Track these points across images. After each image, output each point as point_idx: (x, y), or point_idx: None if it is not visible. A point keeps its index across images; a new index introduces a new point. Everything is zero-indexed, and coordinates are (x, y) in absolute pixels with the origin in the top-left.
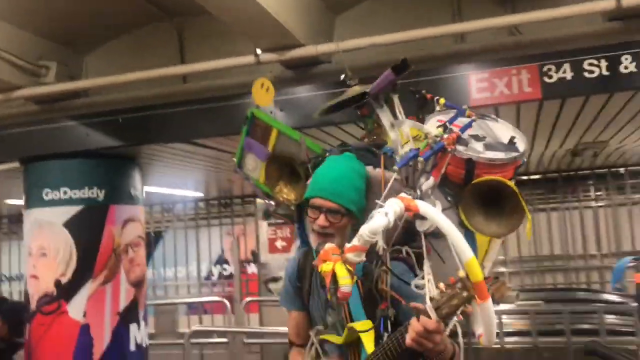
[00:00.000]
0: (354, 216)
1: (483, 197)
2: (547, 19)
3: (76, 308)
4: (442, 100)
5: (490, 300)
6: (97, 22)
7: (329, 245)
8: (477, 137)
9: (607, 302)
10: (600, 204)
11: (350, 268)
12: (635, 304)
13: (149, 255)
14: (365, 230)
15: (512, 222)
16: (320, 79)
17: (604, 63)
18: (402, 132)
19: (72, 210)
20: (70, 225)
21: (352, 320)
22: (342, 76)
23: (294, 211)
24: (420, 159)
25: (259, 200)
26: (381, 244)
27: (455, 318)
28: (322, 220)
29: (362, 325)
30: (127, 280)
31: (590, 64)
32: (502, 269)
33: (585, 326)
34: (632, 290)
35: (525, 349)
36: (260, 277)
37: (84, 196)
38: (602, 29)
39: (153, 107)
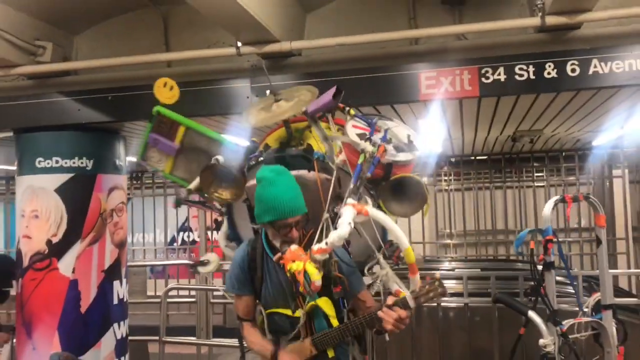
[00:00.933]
0: (306, 214)
1: (394, 186)
2: (488, 30)
3: (66, 265)
4: (352, 112)
5: (418, 275)
6: (88, 6)
7: (294, 247)
8: (388, 141)
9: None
10: (538, 184)
11: (317, 266)
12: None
13: None
14: (335, 237)
15: (416, 205)
16: (290, 70)
17: (531, 68)
18: (335, 145)
19: (63, 177)
20: (61, 191)
21: (304, 300)
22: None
23: (208, 199)
24: (367, 174)
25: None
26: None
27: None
28: (295, 233)
29: (324, 301)
30: (112, 241)
31: (520, 69)
32: (448, 241)
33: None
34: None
35: (458, 307)
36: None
37: (74, 165)
38: (531, 40)
39: (140, 87)
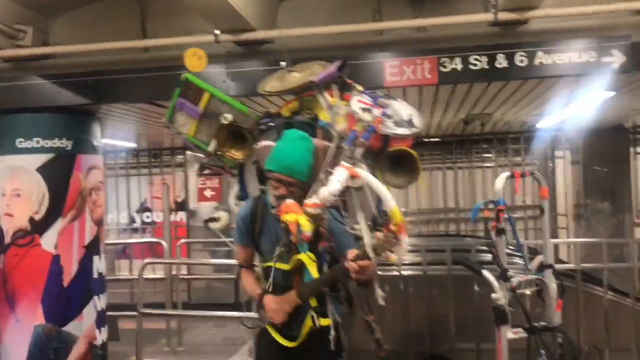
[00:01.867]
0: (304, 183)
1: (392, 160)
2: (446, 23)
3: (48, 241)
4: (359, 87)
5: (405, 234)
6: None
7: (289, 201)
8: (388, 116)
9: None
10: (487, 164)
11: (309, 218)
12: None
13: None
14: (325, 192)
15: (411, 177)
16: (264, 56)
17: (485, 59)
18: (340, 118)
19: (44, 157)
20: (42, 170)
21: (297, 253)
22: (284, 64)
23: (225, 163)
24: (362, 140)
25: (188, 153)
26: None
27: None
28: (282, 190)
29: (308, 256)
30: (91, 218)
31: (475, 59)
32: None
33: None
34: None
35: (418, 275)
36: (189, 223)
37: (55, 145)
38: (485, 33)
39: (118, 71)
